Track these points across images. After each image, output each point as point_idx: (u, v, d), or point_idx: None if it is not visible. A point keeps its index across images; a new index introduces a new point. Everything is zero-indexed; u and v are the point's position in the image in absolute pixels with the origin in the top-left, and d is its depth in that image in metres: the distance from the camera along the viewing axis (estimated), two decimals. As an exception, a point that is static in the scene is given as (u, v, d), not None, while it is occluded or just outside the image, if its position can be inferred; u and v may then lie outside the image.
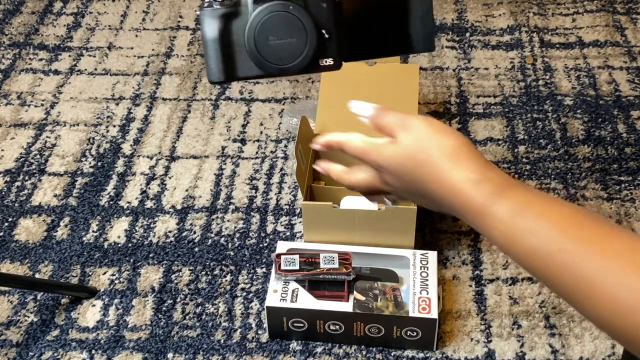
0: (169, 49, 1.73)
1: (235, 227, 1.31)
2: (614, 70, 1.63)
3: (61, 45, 1.75)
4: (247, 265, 1.25)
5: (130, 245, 1.29)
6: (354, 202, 1.19)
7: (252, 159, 1.44)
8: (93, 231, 1.31)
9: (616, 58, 1.66)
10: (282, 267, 1.12)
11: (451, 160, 0.64)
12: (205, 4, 0.75)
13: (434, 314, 1.08)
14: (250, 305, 1.18)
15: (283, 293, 1.11)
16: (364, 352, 1.12)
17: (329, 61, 0.73)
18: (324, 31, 0.72)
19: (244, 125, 1.52)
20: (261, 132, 1.50)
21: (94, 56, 1.71)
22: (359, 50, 0.75)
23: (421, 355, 1.11)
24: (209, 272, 1.24)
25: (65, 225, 1.32)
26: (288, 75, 0.78)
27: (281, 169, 1.42)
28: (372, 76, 1.37)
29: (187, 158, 1.45)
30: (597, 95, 1.56)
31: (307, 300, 1.10)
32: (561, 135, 1.47)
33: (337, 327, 1.10)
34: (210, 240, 1.29)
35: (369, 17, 0.74)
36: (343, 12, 0.73)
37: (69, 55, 1.72)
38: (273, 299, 1.10)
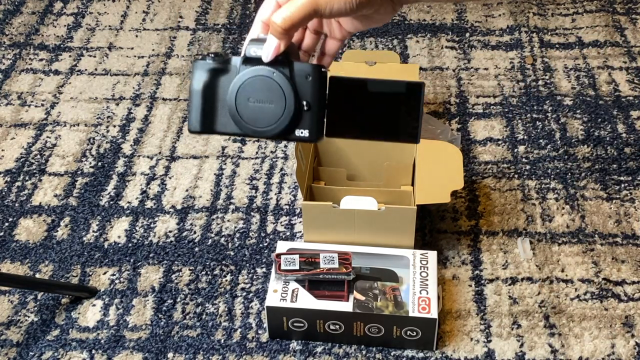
0: (169, 49, 1.73)
1: (236, 227, 1.31)
2: (614, 70, 1.63)
3: (61, 46, 1.75)
4: (247, 265, 1.25)
5: (130, 245, 1.29)
6: (354, 202, 1.19)
7: (252, 159, 1.44)
8: (93, 231, 1.31)
9: (616, 58, 1.66)
10: (282, 267, 1.12)
11: None
12: (200, 57, 0.76)
13: (433, 313, 1.08)
14: (250, 305, 1.19)
15: (283, 293, 1.11)
16: (363, 352, 1.12)
17: (305, 132, 0.73)
18: (304, 102, 0.72)
19: (244, 126, 1.52)
20: (261, 132, 1.50)
21: (94, 56, 1.72)
22: (340, 128, 0.75)
23: (421, 355, 1.11)
24: (209, 272, 1.24)
25: (66, 225, 1.32)
26: (263, 138, 0.77)
27: (281, 169, 1.42)
28: (372, 76, 1.37)
29: (187, 158, 1.45)
30: (596, 95, 1.57)
31: (307, 300, 1.10)
32: (561, 135, 1.47)
33: (337, 326, 1.10)
34: (210, 240, 1.29)
35: (357, 100, 0.74)
36: (330, 89, 0.73)
37: (69, 56, 1.72)
38: (273, 299, 1.10)
